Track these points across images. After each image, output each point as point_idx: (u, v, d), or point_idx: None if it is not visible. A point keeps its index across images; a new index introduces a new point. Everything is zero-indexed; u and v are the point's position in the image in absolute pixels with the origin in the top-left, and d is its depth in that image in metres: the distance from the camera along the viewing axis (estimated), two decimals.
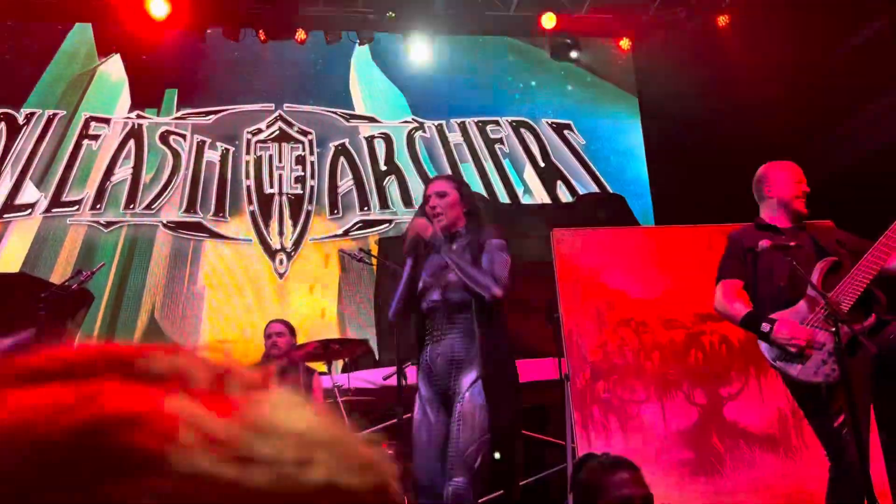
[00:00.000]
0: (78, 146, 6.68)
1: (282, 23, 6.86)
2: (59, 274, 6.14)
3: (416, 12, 7.04)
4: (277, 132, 7.04)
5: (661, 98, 7.12)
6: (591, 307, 4.54)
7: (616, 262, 4.65)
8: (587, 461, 2.38)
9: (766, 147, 3.57)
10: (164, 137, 6.85)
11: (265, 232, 6.75)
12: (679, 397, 4.46)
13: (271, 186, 6.87)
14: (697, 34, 7.03)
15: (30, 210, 6.46)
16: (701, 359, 4.53)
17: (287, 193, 6.87)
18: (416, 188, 6.92)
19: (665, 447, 4.36)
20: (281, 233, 6.77)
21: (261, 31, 6.92)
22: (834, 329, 2.82)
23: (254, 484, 0.30)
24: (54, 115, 6.72)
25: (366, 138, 7.17)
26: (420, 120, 7.28)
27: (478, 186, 7.03)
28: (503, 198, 7.14)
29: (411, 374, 3.80)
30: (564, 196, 7.24)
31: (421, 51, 7.20)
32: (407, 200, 7.01)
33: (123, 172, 6.69)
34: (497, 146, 7.33)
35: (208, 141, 6.89)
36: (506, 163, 7.30)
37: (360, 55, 7.33)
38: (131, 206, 6.61)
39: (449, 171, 6.98)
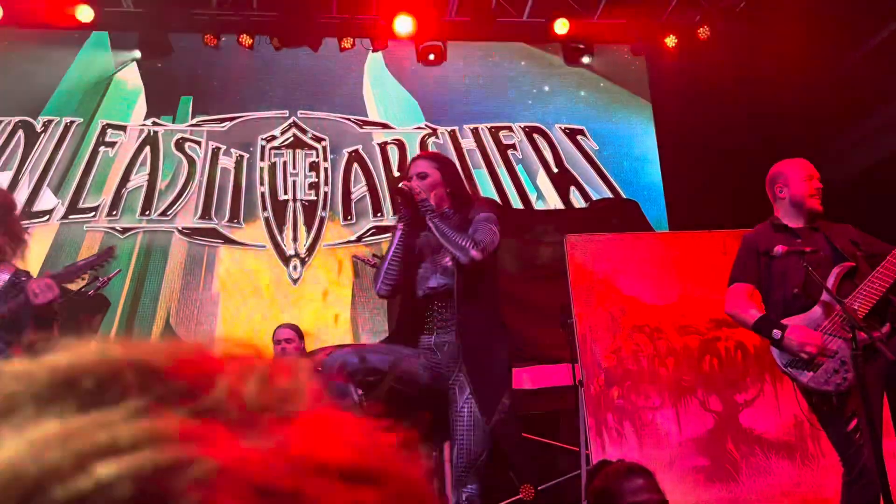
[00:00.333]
0: (95, 153, 6.74)
1: (296, 30, 6.89)
2: (75, 280, 6.18)
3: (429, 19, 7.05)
4: (291, 139, 7.07)
5: (675, 103, 7.10)
6: (605, 313, 4.53)
7: (630, 267, 4.64)
8: (602, 468, 2.38)
9: (780, 152, 3.54)
10: (180, 144, 6.89)
11: (279, 238, 6.78)
12: (694, 403, 4.43)
13: (285, 193, 6.90)
14: (712, 39, 7.00)
15: (47, 216, 6.52)
16: (716, 365, 4.50)
17: (301, 200, 6.90)
18: None
19: (680, 454, 4.34)
20: (295, 239, 6.79)
21: (274, 39, 6.96)
22: (851, 335, 2.80)
23: None
24: (71, 122, 6.78)
25: (379, 144, 7.18)
26: (433, 126, 7.29)
27: (491, 192, 7.03)
28: (516, 203, 7.13)
29: None
30: (578, 202, 7.22)
31: (434, 57, 7.21)
32: None
33: (139, 179, 6.74)
34: (510, 152, 7.32)
35: (223, 148, 6.93)
36: (519, 168, 7.30)
37: (374, 62, 7.36)
38: (147, 213, 6.65)
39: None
